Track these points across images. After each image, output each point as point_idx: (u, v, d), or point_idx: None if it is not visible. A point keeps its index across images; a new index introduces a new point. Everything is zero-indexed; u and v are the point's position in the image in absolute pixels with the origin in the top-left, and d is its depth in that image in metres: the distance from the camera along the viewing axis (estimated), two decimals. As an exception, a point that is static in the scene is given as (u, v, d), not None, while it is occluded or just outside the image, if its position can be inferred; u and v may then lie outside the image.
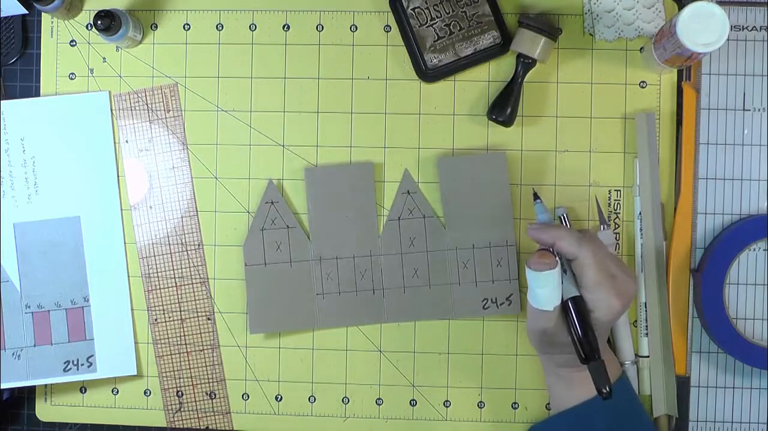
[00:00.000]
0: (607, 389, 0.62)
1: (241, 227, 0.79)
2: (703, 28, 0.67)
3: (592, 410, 0.68)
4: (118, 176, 0.79)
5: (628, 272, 0.67)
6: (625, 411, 0.69)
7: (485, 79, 0.78)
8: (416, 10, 0.76)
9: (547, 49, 0.75)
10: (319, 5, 0.79)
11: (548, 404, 0.77)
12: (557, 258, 0.66)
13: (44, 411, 0.80)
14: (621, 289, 0.65)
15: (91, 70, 0.80)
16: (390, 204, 0.78)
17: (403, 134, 0.78)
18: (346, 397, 0.79)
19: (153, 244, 0.79)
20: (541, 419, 0.77)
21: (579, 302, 0.65)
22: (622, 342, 0.76)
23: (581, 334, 0.64)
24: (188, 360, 0.79)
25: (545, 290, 0.65)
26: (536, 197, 0.72)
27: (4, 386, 0.78)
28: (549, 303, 0.65)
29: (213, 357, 0.79)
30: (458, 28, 0.76)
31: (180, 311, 0.79)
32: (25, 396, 0.81)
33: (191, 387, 0.79)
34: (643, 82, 0.77)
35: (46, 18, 0.80)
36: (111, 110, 0.80)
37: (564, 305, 0.66)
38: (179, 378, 0.79)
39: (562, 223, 0.76)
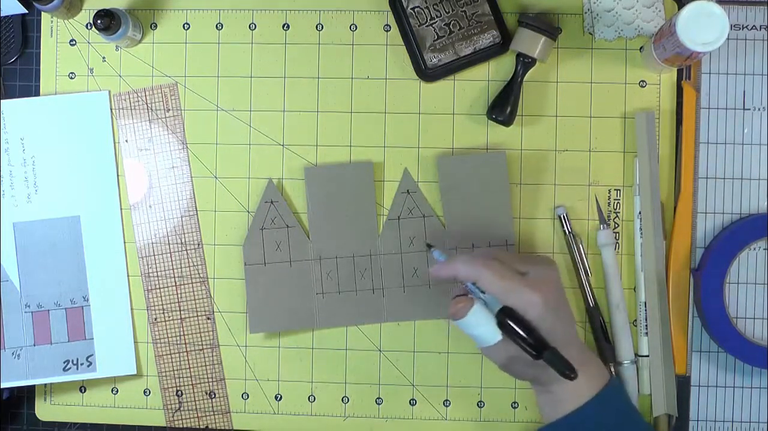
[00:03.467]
0: (571, 370, 0.61)
1: (240, 226, 0.79)
2: (703, 28, 0.67)
3: (583, 418, 0.66)
4: (117, 176, 0.79)
5: (538, 260, 0.67)
6: (618, 417, 0.68)
7: (485, 79, 0.78)
8: (416, 9, 0.76)
9: (547, 48, 0.75)
10: (319, 5, 0.79)
11: (548, 403, 0.77)
12: (469, 295, 0.66)
13: (44, 410, 0.80)
14: (533, 282, 0.64)
15: (91, 70, 0.80)
16: (390, 203, 0.78)
17: (403, 134, 0.78)
18: (345, 397, 0.79)
19: (152, 243, 0.79)
20: (541, 421, 0.77)
21: (507, 311, 0.65)
22: (622, 341, 0.76)
23: (523, 335, 0.63)
24: (188, 360, 0.79)
25: (480, 328, 0.66)
26: (429, 246, 0.73)
27: (3, 385, 0.78)
28: (493, 337, 0.65)
29: (213, 356, 0.79)
30: (458, 27, 0.76)
31: (179, 310, 0.79)
32: (24, 396, 0.81)
33: (191, 387, 0.79)
34: (642, 81, 0.77)
35: (45, 17, 0.80)
36: (111, 110, 0.80)
37: (499, 324, 0.65)
38: (179, 377, 0.79)
39: (561, 223, 0.77)
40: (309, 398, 0.79)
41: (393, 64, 0.79)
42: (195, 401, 0.79)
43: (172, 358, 0.79)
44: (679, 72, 0.77)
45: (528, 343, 0.63)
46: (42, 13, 0.80)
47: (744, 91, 0.76)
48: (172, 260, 0.79)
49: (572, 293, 0.77)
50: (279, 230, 0.78)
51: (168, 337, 0.79)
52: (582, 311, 0.77)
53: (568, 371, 0.62)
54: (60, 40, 0.80)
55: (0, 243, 0.79)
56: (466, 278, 0.66)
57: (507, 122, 0.76)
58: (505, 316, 0.64)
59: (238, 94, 0.79)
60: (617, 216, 0.77)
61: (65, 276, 0.79)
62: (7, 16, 0.80)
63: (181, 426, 0.79)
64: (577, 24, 0.78)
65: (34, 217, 0.79)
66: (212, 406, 0.79)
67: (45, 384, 0.80)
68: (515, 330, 0.64)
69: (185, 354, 0.79)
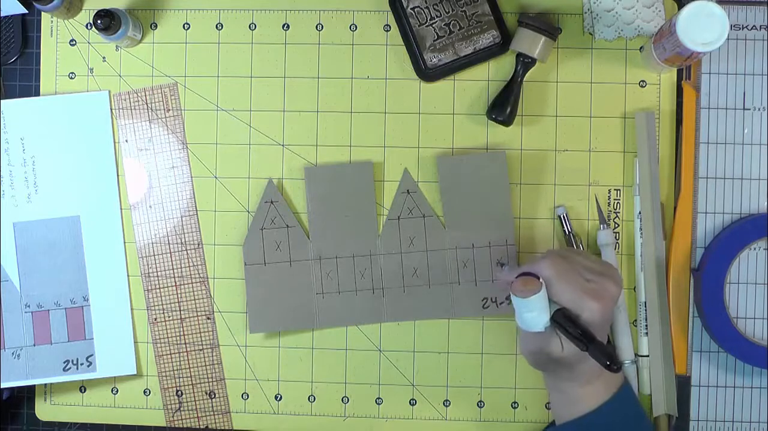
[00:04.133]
0: (614, 362, 0.62)
1: (240, 226, 0.79)
2: (703, 28, 0.67)
3: (595, 421, 0.68)
4: (117, 176, 0.79)
5: (607, 271, 0.67)
6: (628, 420, 0.69)
7: (485, 79, 0.78)
8: (416, 9, 0.76)
9: (547, 48, 0.75)
10: (319, 5, 0.79)
11: (548, 404, 0.77)
12: (541, 281, 0.66)
13: (44, 410, 0.80)
14: (596, 291, 0.65)
15: (91, 70, 0.80)
16: (390, 203, 0.78)
17: (403, 134, 0.78)
18: (345, 396, 0.79)
19: (152, 243, 0.79)
20: (541, 421, 0.77)
21: (564, 311, 0.65)
22: (622, 341, 0.76)
23: (574, 332, 0.64)
24: (188, 360, 0.79)
25: (533, 313, 0.66)
26: (502, 265, 0.75)
27: (3, 385, 0.78)
28: (538, 324, 0.66)
29: (212, 356, 0.79)
30: (458, 27, 0.76)
31: (179, 310, 0.79)
32: (24, 396, 0.81)
33: (191, 387, 0.79)
34: (642, 81, 0.77)
35: (45, 17, 0.80)
36: (111, 110, 0.80)
37: (553, 319, 0.66)
38: (179, 377, 0.79)
39: (561, 223, 0.77)
40: (309, 398, 0.79)
41: (393, 64, 0.79)
42: (195, 401, 0.79)
43: (172, 358, 0.79)
44: (679, 72, 0.77)
45: (577, 335, 0.64)
46: (42, 13, 0.80)
47: (744, 91, 0.76)
48: (172, 260, 0.79)
49: (572, 293, 0.77)
50: (279, 230, 0.78)
51: (168, 337, 0.79)
52: (582, 311, 0.77)
53: (611, 363, 0.62)
54: (60, 40, 0.80)
55: (0, 243, 0.79)
56: (534, 270, 0.67)
57: (507, 122, 0.76)
58: (561, 314, 0.65)
59: (238, 94, 0.79)
60: (617, 216, 0.77)
61: (65, 276, 0.79)
62: (7, 16, 0.80)
63: (181, 426, 0.79)
64: (577, 24, 0.78)
65: (34, 217, 0.79)
66: (212, 406, 0.79)
67: (45, 384, 0.80)
68: (567, 323, 0.64)
69: (185, 354, 0.79)
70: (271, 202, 0.78)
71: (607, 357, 0.62)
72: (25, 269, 0.79)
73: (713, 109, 0.76)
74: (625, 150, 0.77)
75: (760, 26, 0.76)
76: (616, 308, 0.76)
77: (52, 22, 0.80)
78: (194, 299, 0.79)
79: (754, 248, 0.75)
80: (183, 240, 0.79)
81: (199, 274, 0.79)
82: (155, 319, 0.79)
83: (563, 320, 0.65)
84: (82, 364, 0.79)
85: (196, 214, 0.79)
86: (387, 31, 0.79)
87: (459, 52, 0.76)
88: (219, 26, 0.79)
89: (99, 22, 0.73)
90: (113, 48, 0.80)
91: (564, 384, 0.69)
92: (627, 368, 0.76)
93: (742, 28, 0.76)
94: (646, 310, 0.76)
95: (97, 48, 0.80)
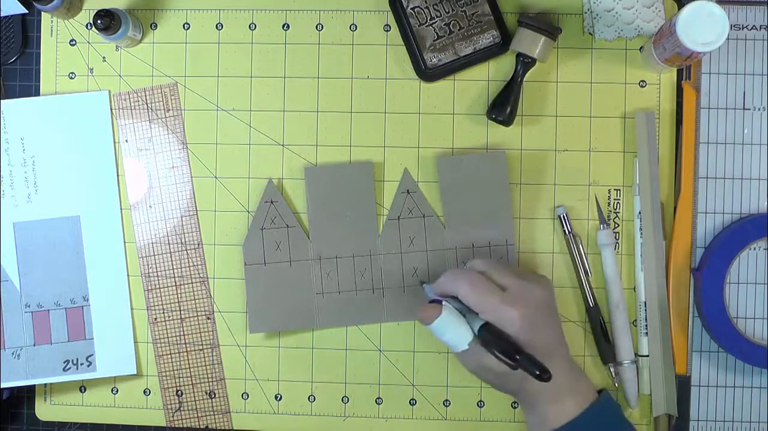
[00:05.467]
0: (543, 371, 0.60)
1: (240, 226, 0.79)
2: (703, 28, 0.67)
3: None
4: (117, 176, 0.79)
5: (529, 278, 0.67)
6: None
7: (485, 79, 0.78)
8: (416, 9, 0.76)
9: (547, 48, 0.75)
10: (319, 4, 0.79)
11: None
12: (443, 302, 0.67)
13: (44, 410, 0.80)
14: (513, 298, 0.65)
15: (91, 70, 0.80)
16: (390, 203, 0.78)
17: (403, 134, 0.78)
18: (345, 396, 0.79)
19: (152, 243, 0.79)
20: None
21: (488, 326, 0.65)
22: (622, 341, 0.76)
23: (498, 347, 0.63)
24: (188, 360, 0.79)
25: (449, 334, 0.67)
26: (422, 283, 0.75)
27: (3, 385, 0.78)
28: (461, 343, 0.67)
29: (212, 356, 0.79)
30: (458, 27, 0.76)
31: (179, 310, 0.79)
32: (24, 396, 0.81)
33: (191, 387, 0.79)
34: (642, 81, 0.77)
35: (45, 17, 0.80)
36: (111, 110, 0.80)
37: (481, 337, 0.66)
38: (179, 377, 0.79)
39: (561, 223, 0.77)
40: (309, 398, 0.79)
41: (393, 64, 0.79)
42: (195, 401, 0.79)
43: (172, 358, 0.79)
44: (679, 72, 0.77)
45: (501, 350, 0.63)
46: (42, 13, 0.80)
47: (744, 91, 0.76)
48: (172, 260, 0.79)
49: (572, 293, 0.77)
50: (279, 230, 0.78)
51: (168, 337, 0.79)
52: (582, 312, 0.77)
53: (540, 372, 0.61)
54: (60, 40, 0.80)
55: (0, 243, 0.79)
56: (448, 292, 0.68)
57: (507, 121, 0.76)
58: (485, 331, 0.65)
59: (238, 94, 0.79)
60: (617, 216, 0.77)
61: (65, 276, 0.79)
62: (7, 16, 0.80)
63: (181, 426, 0.79)
64: (577, 24, 0.78)
65: (34, 217, 0.79)
66: (212, 406, 0.79)
67: (45, 384, 0.80)
68: (491, 340, 0.64)
69: (185, 354, 0.79)
70: (271, 202, 0.78)
71: (537, 367, 0.61)
72: (25, 269, 0.79)
73: (713, 109, 0.76)
74: (625, 150, 0.77)
75: (760, 26, 0.76)
76: (616, 308, 0.76)
77: (52, 22, 0.80)
78: (194, 299, 0.79)
79: (754, 248, 0.75)
80: (183, 240, 0.79)
81: (199, 274, 0.79)
82: (155, 319, 0.79)
83: (488, 336, 0.64)
84: (82, 364, 0.79)
85: (196, 214, 0.79)
86: (387, 31, 0.79)
87: (459, 52, 0.76)
88: (219, 26, 0.79)
89: (99, 22, 0.73)
90: (113, 48, 0.80)
91: (534, 402, 0.67)
92: (627, 368, 0.76)
93: (742, 28, 0.76)
94: (646, 310, 0.76)
95: (97, 48, 0.80)
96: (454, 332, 0.67)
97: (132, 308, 0.79)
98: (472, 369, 0.68)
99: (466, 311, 0.68)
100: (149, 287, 0.79)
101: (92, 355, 0.79)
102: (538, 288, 0.66)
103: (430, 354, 0.78)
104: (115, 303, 0.79)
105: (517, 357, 0.62)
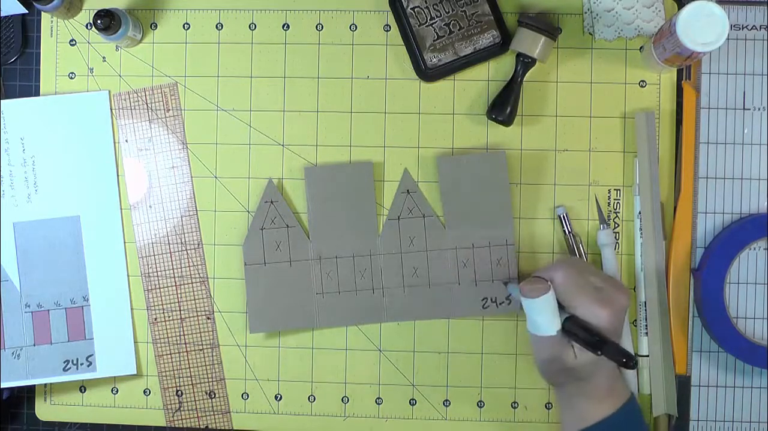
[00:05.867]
0: (630, 359, 0.62)
1: (240, 226, 0.79)
2: (703, 28, 0.67)
3: None
4: (117, 176, 0.79)
5: (616, 284, 0.68)
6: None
7: (485, 79, 0.78)
8: (416, 9, 0.76)
9: (547, 48, 0.75)
10: (319, 5, 0.79)
11: (548, 403, 0.77)
12: (549, 283, 0.67)
13: (44, 410, 0.80)
14: (605, 298, 0.66)
15: (91, 70, 0.80)
16: (390, 203, 0.78)
17: (403, 134, 0.78)
18: (345, 396, 0.79)
19: (152, 243, 0.79)
20: (541, 421, 0.77)
21: (575, 318, 0.66)
22: (622, 341, 0.76)
23: (585, 337, 0.65)
24: (188, 360, 0.79)
25: (544, 315, 0.67)
26: (505, 283, 0.76)
27: (3, 385, 0.78)
28: (551, 328, 0.67)
29: (212, 356, 0.79)
30: (458, 27, 0.76)
31: (179, 310, 0.79)
32: (24, 396, 0.81)
33: (191, 387, 0.79)
34: (642, 81, 0.77)
35: (45, 17, 0.80)
36: (111, 110, 0.80)
37: (564, 328, 0.67)
38: (179, 377, 0.79)
39: (561, 223, 0.77)
40: (309, 398, 0.79)
41: (393, 64, 0.79)
42: (195, 401, 0.79)
43: (172, 358, 0.79)
44: (679, 72, 0.77)
45: (587, 338, 0.64)
46: (42, 13, 0.80)
47: (744, 91, 0.76)
48: (172, 260, 0.79)
49: (572, 293, 0.77)
50: (279, 230, 0.78)
51: (168, 337, 0.79)
52: (582, 311, 0.77)
53: (627, 360, 0.62)
54: (60, 40, 0.80)
55: (0, 243, 0.79)
56: (545, 276, 0.68)
57: (507, 121, 0.76)
58: (571, 322, 0.66)
59: (238, 94, 0.79)
60: (617, 216, 0.77)
61: (65, 276, 0.79)
62: (7, 16, 0.80)
63: (181, 426, 0.79)
64: (577, 24, 0.78)
65: (34, 217, 0.79)
66: (212, 406, 0.79)
67: (45, 384, 0.80)
68: (579, 329, 0.65)
69: (185, 354, 0.79)
70: (271, 202, 0.78)
71: (623, 355, 0.63)
72: (25, 269, 0.79)
73: (713, 109, 0.76)
74: (625, 150, 0.77)
75: (760, 26, 0.76)
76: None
77: (52, 22, 0.80)
78: (194, 299, 0.79)
79: (754, 248, 0.75)
80: (183, 240, 0.79)
81: (199, 274, 0.79)
82: (155, 319, 0.79)
83: (574, 327, 0.66)
84: (82, 364, 0.79)
85: (196, 214, 0.79)
86: (387, 31, 0.79)
87: (459, 52, 0.76)
88: (219, 26, 0.79)
89: (99, 22, 0.73)
90: (113, 48, 0.80)
91: (575, 400, 0.69)
92: (627, 370, 0.75)
93: (742, 28, 0.76)
94: (646, 310, 0.76)
95: (97, 48, 0.80)
96: (551, 315, 0.67)
97: (132, 308, 0.79)
98: (544, 356, 0.68)
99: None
100: (149, 287, 0.79)
101: (92, 355, 0.79)
102: (624, 294, 0.68)
103: (430, 354, 0.78)
104: (115, 303, 0.79)
105: (603, 347, 0.64)
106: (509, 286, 0.75)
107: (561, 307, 0.67)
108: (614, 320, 0.66)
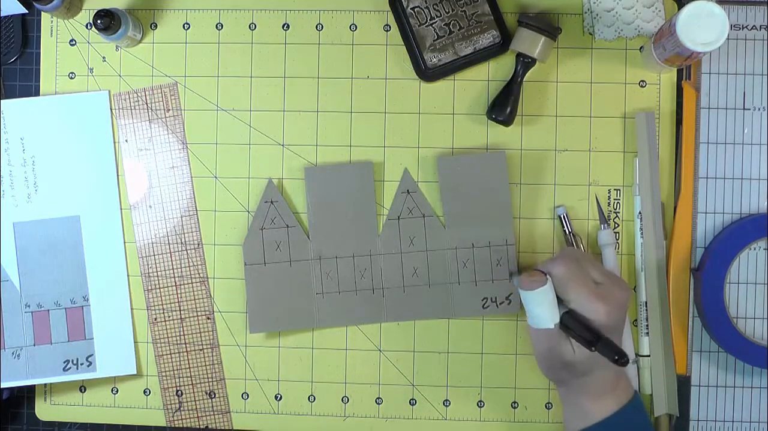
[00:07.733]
0: (622, 356, 0.62)
1: (240, 226, 0.79)
2: (703, 28, 0.67)
3: (602, 430, 0.68)
4: (117, 176, 0.79)
5: (616, 280, 0.68)
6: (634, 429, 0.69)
7: (485, 79, 0.78)
8: (416, 9, 0.76)
9: (547, 48, 0.75)
10: (319, 4, 0.79)
11: (548, 403, 0.77)
12: (547, 276, 0.67)
13: (44, 410, 0.80)
14: (603, 293, 0.66)
15: (91, 70, 0.80)
16: (390, 203, 0.78)
17: (403, 134, 0.78)
18: (345, 396, 0.79)
19: (152, 243, 0.79)
20: (541, 421, 0.77)
21: (572, 313, 0.66)
22: (623, 341, 0.76)
23: (581, 332, 0.65)
24: (188, 360, 0.79)
25: (542, 308, 0.67)
26: (511, 275, 0.76)
27: (3, 385, 0.78)
28: (549, 321, 0.67)
29: (212, 356, 0.79)
30: (458, 27, 0.76)
31: (179, 310, 0.79)
32: (24, 396, 0.81)
33: (191, 387, 0.79)
34: (642, 81, 0.77)
35: (45, 17, 0.80)
36: (111, 110, 0.80)
37: (562, 322, 0.67)
38: (179, 377, 0.79)
39: (561, 223, 0.77)
40: (309, 398, 0.79)
41: (393, 64, 0.79)
42: (195, 401, 0.79)
43: (172, 358, 0.79)
44: (679, 72, 0.77)
45: (582, 333, 0.64)
46: (42, 13, 0.80)
47: (744, 91, 0.76)
48: (172, 260, 0.79)
49: (572, 293, 0.77)
50: (279, 230, 0.78)
51: (168, 337, 0.79)
52: (582, 311, 0.77)
53: (618, 356, 0.62)
54: (60, 40, 0.80)
55: (0, 243, 0.79)
56: (545, 269, 0.68)
57: (507, 121, 0.76)
58: (568, 316, 0.66)
59: (238, 94, 0.79)
60: (617, 216, 0.77)
61: (65, 276, 0.79)
62: (7, 16, 0.80)
63: (181, 426, 0.79)
64: (577, 24, 0.78)
65: (34, 217, 0.79)
66: (212, 406, 0.79)
67: (45, 384, 0.80)
68: (575, 324, 0.65)
69: (185, 354, 0.79)
70: (271, 202, 0.78)
71: (616, 352, 0.62)
72: (25, 269, 0.79)
73: (713, 109, 0.76)
74: (625, 150, 0.77)
75: (760, 26, 0.76)
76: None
77: (52, 22, 0.80)
78: (194, 299, 0.79)
79: (754, 248, 0.75)
80: (183, 240, 0.79)
81: (199, 274, 0.79)
82: (155, 319, 0.79)
83: (571, 321, 0.66)
84: (82, 364, 0.79)
85: (196, 214, 0.79)
86: (387, 31, 0.79)
87: (459, 52, 0.76)
88: (219, 26, 0.79)
89: (99, 22, 0.73)
90: (113, 48, 0.80)
91: (577, 397, 0.69)
92: (628, 368, 0.76)
93: (742, 28, 0.76)
94: (646, 310, 0.76)
95: (97, 48, 0.80)
96: (548, 307, 0.67)
97: (132, 308, 0.79)
98: (542, 350, 0.69)
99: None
100: (149, 287, 0.79)
101: (92, 355, 0.79)
102: (623, 290, 0.67)
103: (430, 354, 0.78)
104: (115, 303, 0.79)
105: (596, 343, 0.64)
106: (513, 278, 0.75)
107: (561, 301, 0.67)
108: (612, 315, 0.65)
